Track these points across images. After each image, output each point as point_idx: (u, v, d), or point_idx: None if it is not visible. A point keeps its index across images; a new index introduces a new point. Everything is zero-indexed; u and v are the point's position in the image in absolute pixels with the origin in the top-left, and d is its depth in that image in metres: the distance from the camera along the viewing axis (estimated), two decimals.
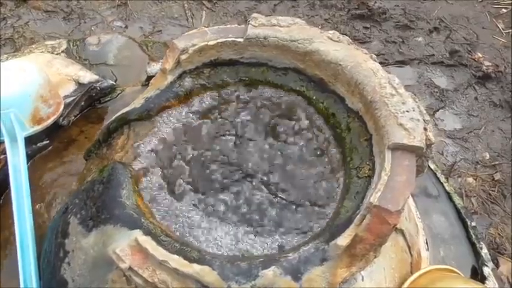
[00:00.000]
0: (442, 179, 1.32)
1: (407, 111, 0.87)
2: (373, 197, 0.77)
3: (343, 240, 0.78)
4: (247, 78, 1.07)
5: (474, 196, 1.72)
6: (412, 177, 0.80)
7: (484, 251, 1.20)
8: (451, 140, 1.89)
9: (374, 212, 0.77)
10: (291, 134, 1.04)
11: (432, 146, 0.88)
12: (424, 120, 0.86)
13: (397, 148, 0.83)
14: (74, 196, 0.98)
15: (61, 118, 1.30)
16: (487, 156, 1.84)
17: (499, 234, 1.62)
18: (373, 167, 0.89)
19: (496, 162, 1.82)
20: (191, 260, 0.78)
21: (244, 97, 1.07)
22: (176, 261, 0.77)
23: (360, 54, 0.99)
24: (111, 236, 0.83)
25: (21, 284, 1.01)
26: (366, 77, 0.94)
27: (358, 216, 0.79)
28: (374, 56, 0.98)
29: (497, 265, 1.50)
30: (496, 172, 1.79)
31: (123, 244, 0.80)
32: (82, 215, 0.91)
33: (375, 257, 0.82)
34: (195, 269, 0.77)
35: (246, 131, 1.05)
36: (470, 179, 1.77)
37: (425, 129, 0.85)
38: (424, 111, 0.88)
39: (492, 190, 1.74)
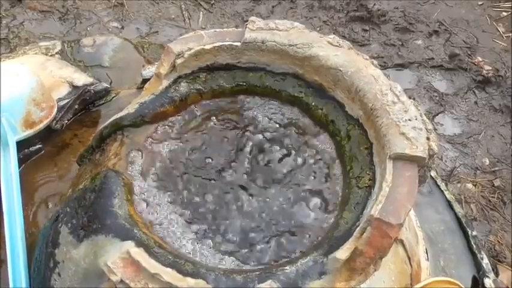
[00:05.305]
0: (443, 187, 1.30)
1: (409, 120, 0.84)
2: (374, 209, 0.75)
3: (343, 253, 0.76)
4: (244, 83, 1.05)
5: (473, 202, 1.70)
6: (414, 189, 0.78)
7: (485, 262, 1.18)
8: (450, 145, 1.87)
9: (375, 225, 0.74)
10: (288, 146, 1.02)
11: (435, 156, 0.85)
12: (426, 129, 0.84)
13: (399, 158, 0.81)
14: (65, 204, 0.95)
15: (54, 122, 1.27)
16: (487, 161, 1.82)
17: (499, 242, 1.60)
18: (373, 177, 0.86)
19: (496, 168, 1.80)
20: (185, 274, 0.75)
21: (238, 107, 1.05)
22: (169, 274, 0.74)
23: (360, 60, 0.96)
24: (102, 247, 0.80)
25: None
26: (367, 83, 0.91)
27: (358, 228, 0.77)
28: (375, 62, 0.96)
29: (496, 273, 1.47)
30: (495, 178, 1.76)
31: (115, 256, 0.77)
32: (73, 224, 0.88)
33: (375, 270, 0.79)
34: (189, 282, 0.74)
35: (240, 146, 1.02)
36: (469, 185, 1.75)
37: (428, 138, 0.83)
38: (427, 120, 0.85)
39: (492, 196, 1.72)
